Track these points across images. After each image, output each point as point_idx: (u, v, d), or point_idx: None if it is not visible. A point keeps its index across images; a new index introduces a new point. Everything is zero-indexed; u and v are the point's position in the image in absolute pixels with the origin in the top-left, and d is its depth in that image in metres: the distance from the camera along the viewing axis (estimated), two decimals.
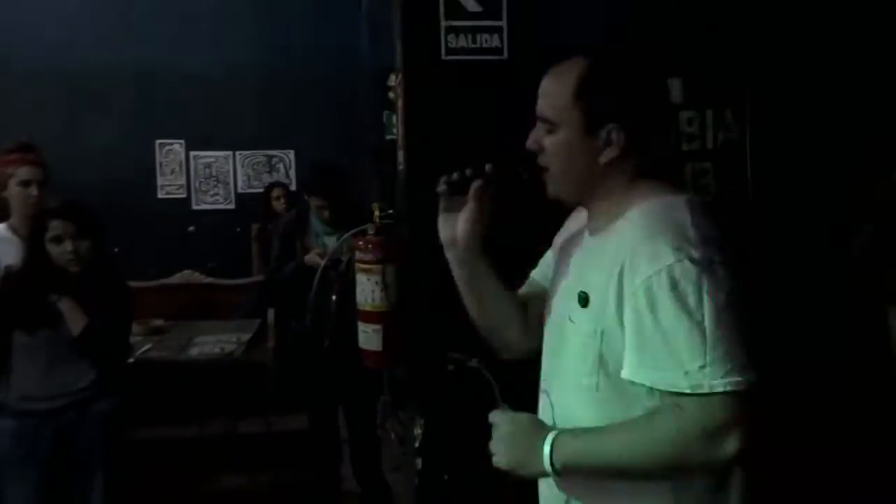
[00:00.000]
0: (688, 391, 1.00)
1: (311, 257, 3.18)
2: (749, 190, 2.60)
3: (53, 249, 2.20)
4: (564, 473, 1.10)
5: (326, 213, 3.22)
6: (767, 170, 2.51)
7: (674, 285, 1.01)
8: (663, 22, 2.17)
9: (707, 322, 1.00)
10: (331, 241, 3.24)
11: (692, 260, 1.01)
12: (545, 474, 1.11)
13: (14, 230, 2.72)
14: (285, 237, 3.36)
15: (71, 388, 2.25)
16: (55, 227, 2.20)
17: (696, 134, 2.71)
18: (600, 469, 1.09)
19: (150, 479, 3.22)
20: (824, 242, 2.23)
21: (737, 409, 1.00)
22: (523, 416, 1.17)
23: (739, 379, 0.99)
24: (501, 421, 1.16)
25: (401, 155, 2.12)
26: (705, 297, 1.00)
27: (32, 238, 2.26)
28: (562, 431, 1.11)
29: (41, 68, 4.67)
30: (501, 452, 1.14)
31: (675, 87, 2.52)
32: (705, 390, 0.99)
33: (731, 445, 1.00)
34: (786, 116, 2.36)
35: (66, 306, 2.20)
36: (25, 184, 2.67)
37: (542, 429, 1.13)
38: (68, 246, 2.20)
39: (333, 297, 3.11)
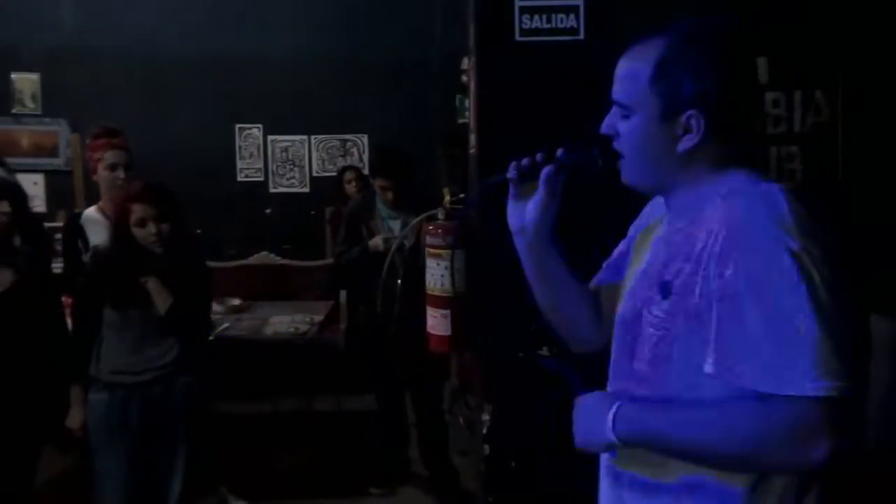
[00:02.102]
0: (774, 392, 0.94)
1: (375, 242, 3.21)
2: (840, 178, 2.45)
3: (138, 232, 2.30)
4: (628, 444, 1.06)
5: (390, 195, 3.22)
6: (861, 156, 2.35)
7: (769, 278, 0.95)
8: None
9: (801, 321, 0.93)
10: (396, 226, 3.26)
11: (791, 252, 0.95)
12: (611, 446, 1.08)
13: (103, 212, 2.86)
14: (351, 221, 3.39)
15: (157, 363, 2.35)
16: (138, 210, 2.29)
17: (782, 116, 2.57)
18: (664, 447, 1.04)
19: (225, 452, 3.35)
20: None
21: (825, 416, 0.93)
22: (595, 393, 1.15)
23: (831, 384, 0.92)
24: (577, 403, 1.15)
25: (472, 139, 2.10)
26: (802, 294, 0.93)
27: (118, 222, 2.36)
28: (630, 402, 1.08)
29: (127, 57, 4.86)
30: (574, 430, 1.13)
31: (761, 67, 2.38)
32: (793, 392, 0.93)
33: (816, 453, 0.94)
34: (883, 98, 2.21)
35: (152, 286, 2.29)
36: (112, 167, 2.80)
37: (609, 400, 1.10)
38: (151, 228, 2.29)
39: (399, 282, 3.13)
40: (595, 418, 1.09)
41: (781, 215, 0.99)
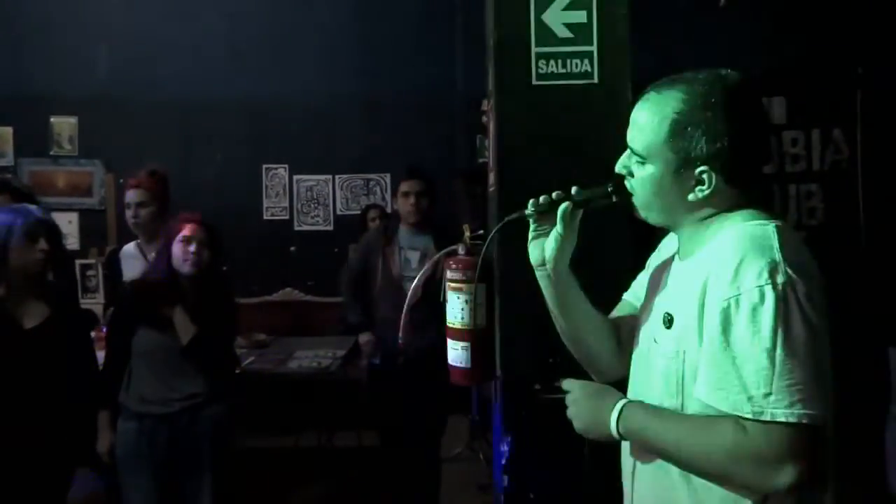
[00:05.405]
0: (749, 416, 1.00)
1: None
2: (861, 215, 2.47)
3: (178, 248, 2.38)
4: (625, 438, 1.14)
5: (412, 200, 3.20)
6: (882, 194, 2.37)
7: (752, 309, 1.00)
8: (761, 41, 2.13)
9: (779, 350, 0.98)
10: (413, 256, 3.28)
11: (774, 287, 1.00)
12: (610, 437, 1.15)
13: (140, 248, 2.98)
14: (367, 248, 3.37)
15: (185, 393, 2.40)
16: (188, 229, 2.39)
17: (800, 154, 2.61)
18: (656, 450, 1.12)
19: (247, 486, 3.37)
20: None
21: (797, 442, 0.98)
22: (594, 383, 1.24)
23: (804, 412, 0.97)
24: (573, 386, 1.22)
25: (492, 177, 2.17)
26: (781, 326, 0.99)
27: (165, 244, 2.44)
28: (633, 401, 1.16)
29: (159, 102, 5.06)
30: (574, 414, 1.20)
31: (779, 106, 2.43)
32: (767, 418, 0.98)
33: (785, 476, 0.98)
34: None
35: (178, 316, 2.36)
36: (129, 205, 2.93)
37: (614, 393, 1.18)
38: (192, 247, 2.37)
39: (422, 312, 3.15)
40: (600, 409, 1.15)
41: (770, 252, 1.03)
